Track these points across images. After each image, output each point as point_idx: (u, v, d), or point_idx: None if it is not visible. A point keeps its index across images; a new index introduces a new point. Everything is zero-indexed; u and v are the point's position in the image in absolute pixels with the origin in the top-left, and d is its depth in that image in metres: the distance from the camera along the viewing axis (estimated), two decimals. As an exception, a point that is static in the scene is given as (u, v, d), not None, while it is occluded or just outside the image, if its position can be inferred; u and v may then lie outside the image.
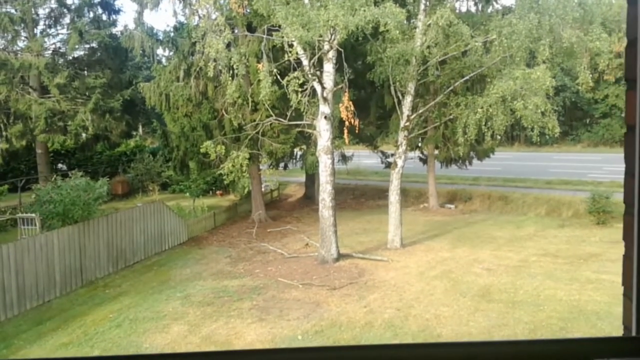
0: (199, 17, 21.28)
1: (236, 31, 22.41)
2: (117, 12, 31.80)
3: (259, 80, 18.45)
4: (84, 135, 30.37)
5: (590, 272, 16.60)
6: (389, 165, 25.15)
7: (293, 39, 17.04)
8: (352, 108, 18.02)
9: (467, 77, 19.83)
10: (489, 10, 24.77)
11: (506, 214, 26.05)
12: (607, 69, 18.87)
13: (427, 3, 19.15)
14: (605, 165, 33.21)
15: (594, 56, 18.43)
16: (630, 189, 1.59)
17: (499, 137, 19.81)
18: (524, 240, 21.11)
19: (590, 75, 18.34)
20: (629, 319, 1.61)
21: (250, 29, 22.17)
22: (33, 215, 19.91)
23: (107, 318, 14.37)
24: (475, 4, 25.70)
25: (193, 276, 17.97)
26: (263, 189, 28.32)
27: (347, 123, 18.09)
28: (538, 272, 16.94)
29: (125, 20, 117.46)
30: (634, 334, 1.60)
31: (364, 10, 15.89)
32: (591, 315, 13.34)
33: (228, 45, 19.51)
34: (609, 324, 12.74)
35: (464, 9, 25.37)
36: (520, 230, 22.69)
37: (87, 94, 29.94)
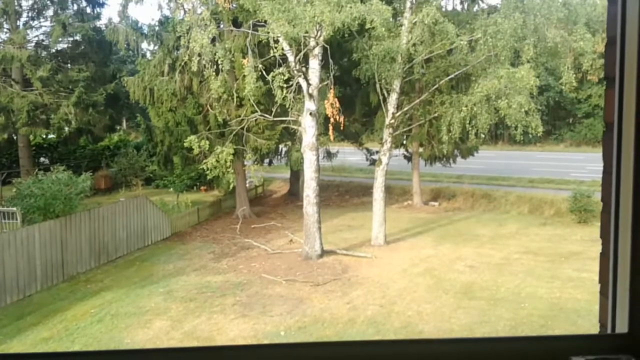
0: (185, 11, 21.12)
1: (222, 26, 22.29)
2: (102, 5, 31.44)
3: (244, 76, 18.39)
4: (66, 129, 30.07)
5: (571, 270, 16.76)
6: (373, 163, 25.19)
7: (279, 35, 17.01)
8: (338, 105, 18.03)
9: (452, 76, 19.91)
10: (475, 9, 24.91)
11: (489, 211, 26.21)
12: (591, 69, 18.99)
13: (414, 1, 19.19)
14: (588, 165, 33.50)
15: (578, 56, 18.61)
16: (607, 187, 1.60)
17: (483, 136, 19.90)
18: (506, 238, 21.26)
19: (574, 75, 18.52)
20: (605, 316, 1.63)
21: (236, 24, 22.06)
22: (14, 209, 19.69)
23: (89, 313, 14.26)
24: (461, 3, 25.85)
25: (176, 272, 17.88)
26: (247, 185, 28.24)
27: (332, 120, 18.09)
28: (520, 269, 17.08)
29: (110, 13, 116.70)
30: (609, 331, 1.61)
31: (350, 7, 15.89)
32: (571, 313, 13.48)
33: (213, 40, 19.41)
34: (589, 322, 12.88)
35: (450, 7, 25.52)
36: (502, 228, 22.84)
37: (70, 87, 29.60)
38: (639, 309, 1.51)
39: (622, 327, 1.55)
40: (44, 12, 30.69)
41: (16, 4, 29.30)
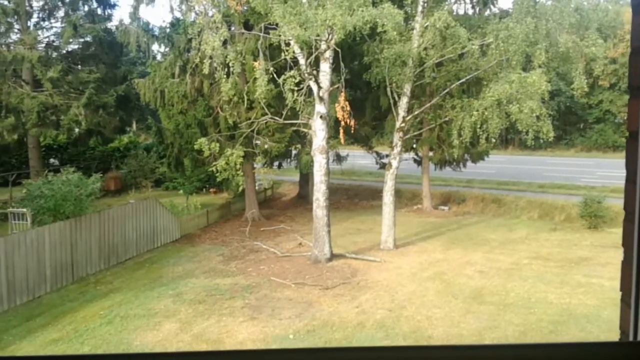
0: (196, 14, 21.15)
1: (233, 28, 22.34)
2: (113, 6, 31.58)
3: (255, 79, 18.40)
4: (76, 130, 30.14)
5: (581, 276, 16.67)
6: (383, 166, 25.17)
7: (290, 38, 17.02)
8: (348, 108, 18.00)
9: (463, 80, 19.83)
10: (487, 13, 24.85)
11: (499, 216, 26.12)
12: (602, 74, 18.96)
13: (425, 5, 19.15)
14: (598, 170, 33.38)
15: (590, 61, 18.50)
16: (630, 196, 1.59)
17: (493, 140, 19.81)
18: (516, 243, 21.17)
19: (585, 81, 18.40)
20: (627, 324, 1.61)
21: (247, 26, 22.12)
22: (24, 210, 19.78)
23: (98, 315, 14.29)
24: (473, 7, 25.79)
25: (185, 274, 17.90)
26: (257, 188, 28.26)
27: (342, 123, 18.08)
28: (529, 275, 16.99)
29: (121, 14, 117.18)
30: (630, 339, 1.59)
31: (362, 11, 15.87)
32: (581, 319, 13.40)
33: (224, 43, 19.43)
34: (598, 328, 12.82)
35: (461, 12, 25.46)
36: (512, 233, 22.76)
37: (80, 88, 29.70)
38: None
39: None
40: (54, 13, 30.86)
41: (27, 4, 29.45)
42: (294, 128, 21.54)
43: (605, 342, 1.47)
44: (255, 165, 24.85)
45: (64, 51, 31.15)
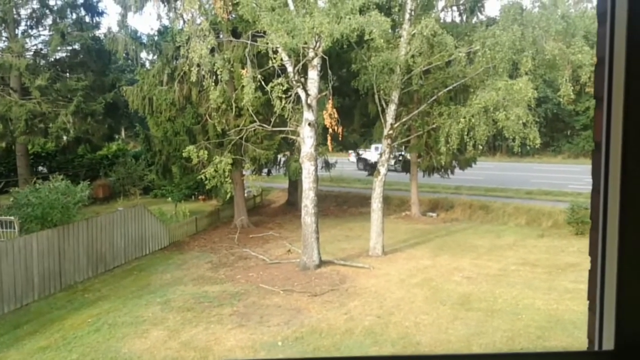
0: (184, 22, 21.22)
1: (221, 36, 22.38)
2: (101, 14, 31.60)
3: (243, 86, 18.45)
4: (65, 138, 30.08)
5: (568, 282, 16.75)
6: (371, 173, 25.20)
7: (278, 46, 17.08)
8: (336, 115, 18.07)
9: (450, 87, 19.97)
10: (474, 21, 25.01)
11: (487, 223, 26.21)
12: (589, 81, 19.01)
13: (412, 13, 19.28)
14: (586, 177, 33.12)
15: (576, 68, 18.65)
16: (596, 206, 1.62)
17: (481, 147, 19.91)
18: (503, 249, 21.26)
19: (572, 88, 18.57)
20: (593, 333, 1.64)
21: (235, 34, 22.16)
22: (11, 218, 19.65)
23: (86, 322, 14.23)
24: (460, 15, 25.95)
25: (173, 281, 17.85)
26: (246, 195, 28.24)
27: (330, 130, 18.13)
28: (517, 281, 17.07)
29: (109, 22, 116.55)
30: (596, 348, 1.63)
31: (349, 19, 15.96)
32: (568, 325, 13.46)
33: (212, 51, 19.47)
34: (585, 334, 12.82)
35: (448, 19, 25.61)
36: (500, 240, 22.85)
37: (68, 96, 29.64)
38: (624, 327, 1.53)
39: (608, 344, 1.56)
40: (42, 20, 30.78)
41: (15, 12, 29.38)
42: (283, 135, 21.58)
43: (571, 351, 1.52)
44: (244, 173, 24.85)
45: (52, 59, 31.09)
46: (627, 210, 1.52)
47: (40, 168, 34.61)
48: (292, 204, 30.19)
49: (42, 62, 30.97)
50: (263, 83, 18.18)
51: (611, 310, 1.55)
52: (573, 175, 34.72)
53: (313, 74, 18.51)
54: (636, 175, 1.51)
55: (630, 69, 1.48)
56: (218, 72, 18.80)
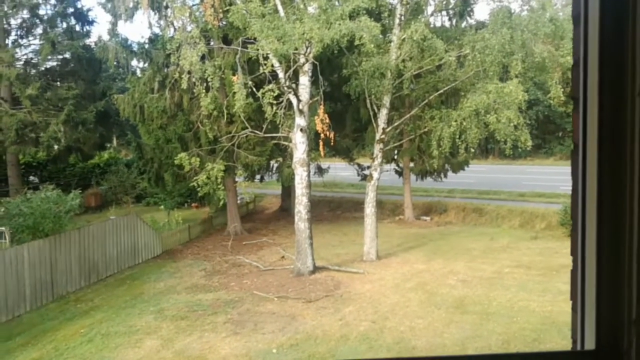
0: (174, 29, 21.18)
1: (212, 43, 22.37)
2: (91, 23, 31.52)
3: (234, 93, 18.43)
4: (56, 147, 29.94)
5: (562, 284, 16.74)
6: (364, 178, 25.22)
7: (268, 52, 17.08)
8: (328, 121, 18.07)
9: (441, 91, 20.01)
10: (463, 25, 25.10)
11: (480, 226, 26.26)
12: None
13: (402, 17, 19.33)
14: (577, 178, 33.57)
15: (566, 71, 18.74)
16: (575, 207, 1.63)
17: (473, 150, 19.97)
18: (497, 252, 21.28)
19: (562, 90, 18.65)
20: (576, 332, 1.64)
21: (226, 41, 22.14)
22: (2, 228, 19.53)
23: (79, 333, 14.12)
24: (450, 19, 26.03)
25: (167, 290, 17.76)
26: (239, 202, 28.18)
27: (322, 135, 18.12)
28: (511, 283, 17.07)
29: (99, 31, 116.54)
30: (579, 348, 1.63)
31: (339, 24, 15.99)
32: (563, 327, 13.45)
33: (203, 58, 19.46)
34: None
35: (438, 24, 25.68)
36: (494, 242, 22.88)
37: (59, 105, 29.53)
38: (604, 326, 1.53)
39: (590, 344, 1.56)
40: (33, 30, 30.72)
41: (5, 22, 29.30)
42: (275, 141, 21.57)
43: (556, 351, 1.52)
44: (236, 179, 24.80)
45: (43, 68, 31.02)
46: (603, 210, 1.52)
47: (31, 178, 34.37)
48: (286, 210, 30.15)
49: (33, 71, 30.90)
50: (254, 89, 18.17)
51: (592, 310, 1.55)
52: (565, 177, 34.34)
53: (304, 80, 18.51)
54: (611, 175, 1.51)
55: (604, 71, 1.48)
56: (209, 79, 18.79)
